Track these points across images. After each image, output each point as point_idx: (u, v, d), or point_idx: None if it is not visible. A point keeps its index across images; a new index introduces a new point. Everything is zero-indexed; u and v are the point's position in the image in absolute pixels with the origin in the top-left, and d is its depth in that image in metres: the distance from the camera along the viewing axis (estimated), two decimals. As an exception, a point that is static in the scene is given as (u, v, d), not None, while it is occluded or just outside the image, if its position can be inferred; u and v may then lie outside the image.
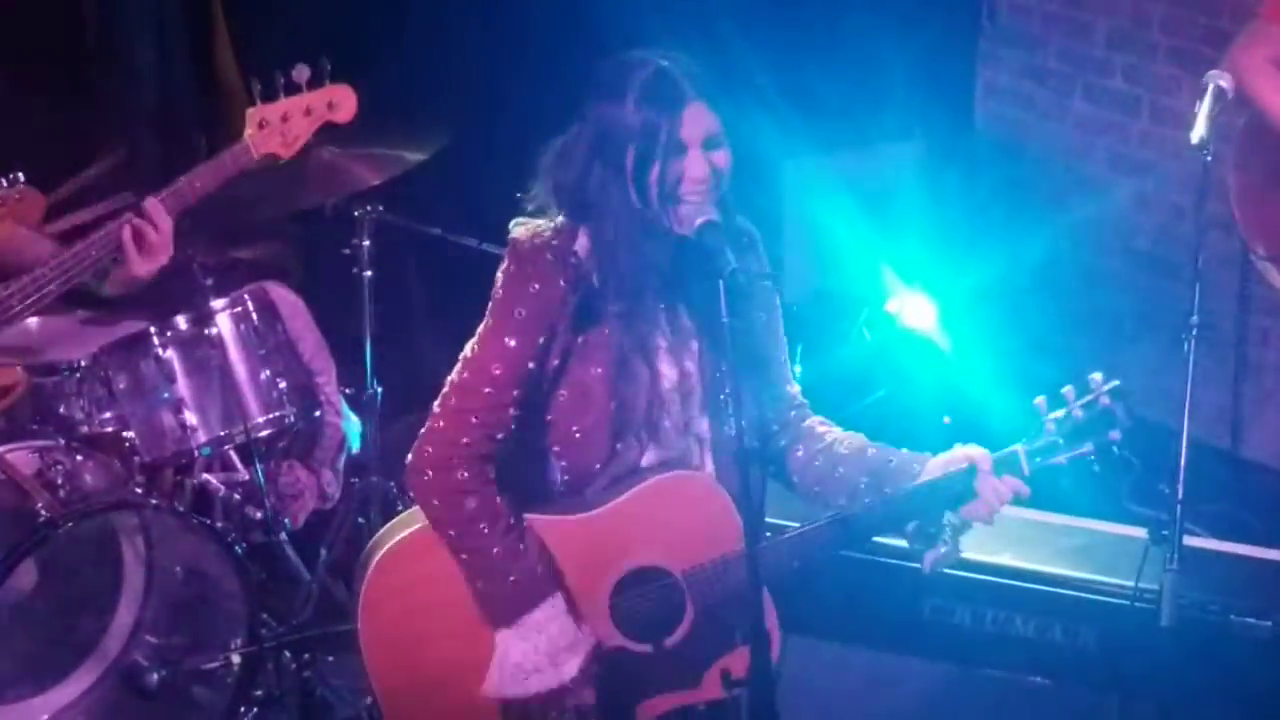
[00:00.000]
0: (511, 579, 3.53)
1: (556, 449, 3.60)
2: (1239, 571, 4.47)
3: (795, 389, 3.81)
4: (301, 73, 4.67)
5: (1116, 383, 3.54)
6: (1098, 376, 3.55)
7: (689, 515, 3.58)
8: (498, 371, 3.52)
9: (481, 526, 3.53)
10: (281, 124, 4.65)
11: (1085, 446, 3.54)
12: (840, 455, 3.69)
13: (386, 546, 3.65)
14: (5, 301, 4.53)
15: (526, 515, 3.59)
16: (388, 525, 3.78)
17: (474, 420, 3.53)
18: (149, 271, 4.60)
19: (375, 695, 3.70)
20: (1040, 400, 3.55)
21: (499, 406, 3.53)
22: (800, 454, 3.75)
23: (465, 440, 3.54)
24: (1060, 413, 3.54)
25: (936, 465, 3.60)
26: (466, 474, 3.53)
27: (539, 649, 3.54)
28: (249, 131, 4.63)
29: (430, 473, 3.55)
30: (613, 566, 3.59)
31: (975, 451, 3.57)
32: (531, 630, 3.54)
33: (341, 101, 4.76)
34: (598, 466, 3.60)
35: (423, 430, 3.59)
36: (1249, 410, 6.36)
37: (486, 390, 3.53)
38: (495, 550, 3.52)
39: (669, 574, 3.59)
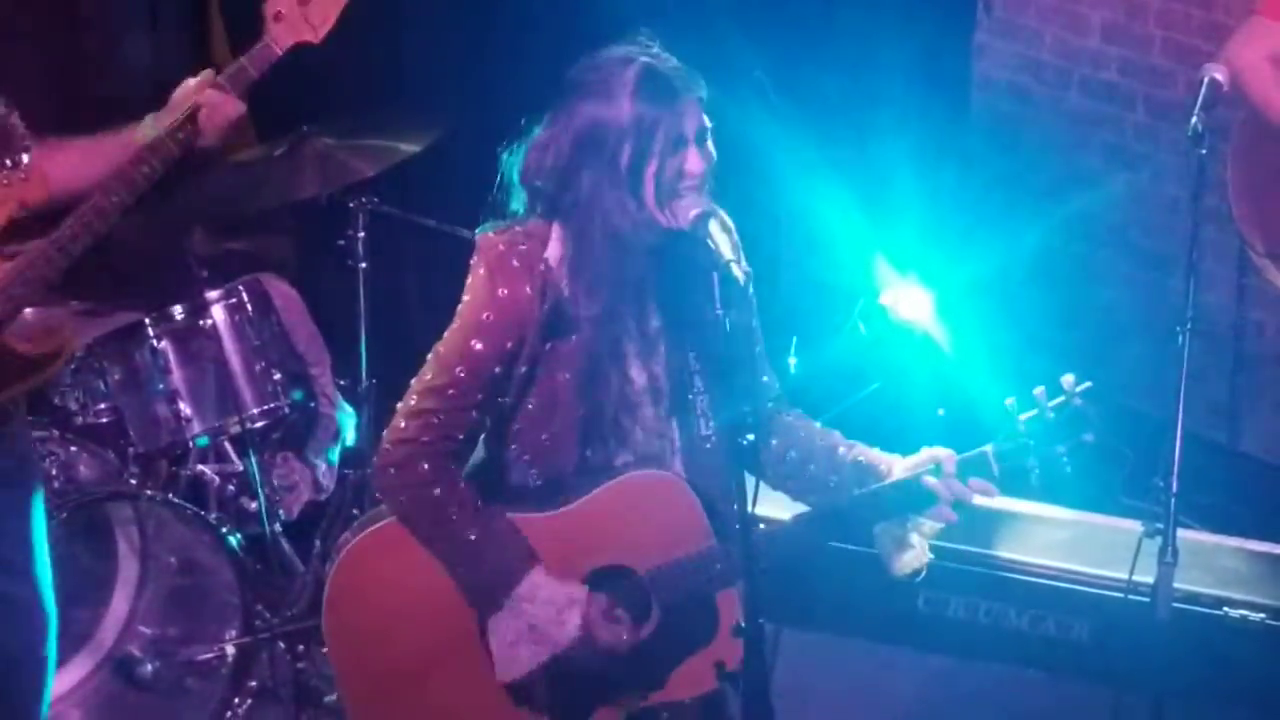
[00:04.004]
0: (490, 559, 3.51)
1: (527, 457, 3.59)
2: (1233, 564, 4.47)
3: (773, 380, 3.78)
4: None
5: (1089, 384, 3.48)
6: (1070, 379, 3.49)
7: (655, 515, 3.55)
8: (462, 374, 3.51)
9: (451, 513, 3.51)
10: (300, 8, 4.14)
11: (1058, 448, 3.49)
12: (812, 452, 3.67)
13: (351, 543, 3.63)
14: (67, 232, 3.95)
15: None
16: (356, 523, 3.76)
17: (435, 420, 3.52)
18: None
19: (340, 693, 3.67)
20: (1011, 401, 3.50)
21: (461, 409, 3.53)
22: (775, 446, 3.72)
23: (426, 439, 3.53)
24: (1032, 413, 3.49)
25: (903, 467, 3.57)
26: (428, 466, 3.52)
27: (535, 619, 3.50)
28: (267, 27, 4.13)
29: (393, 470, 3.54)
30: (577, 565, 3.55)
31: (941, 452, 3.53)
32: (522, 602, 3.50)
33: None
34: (570, 471, 3.58)
35: (386, 430, 3.58)
36: (1243, 403, 6.36)
37: (450, 391, 3.52)
38: (469, 535, 3.51)
39: (634, 573, 3.56)
